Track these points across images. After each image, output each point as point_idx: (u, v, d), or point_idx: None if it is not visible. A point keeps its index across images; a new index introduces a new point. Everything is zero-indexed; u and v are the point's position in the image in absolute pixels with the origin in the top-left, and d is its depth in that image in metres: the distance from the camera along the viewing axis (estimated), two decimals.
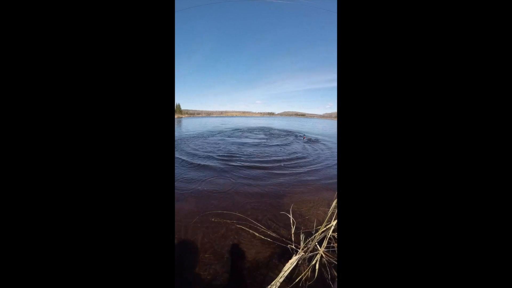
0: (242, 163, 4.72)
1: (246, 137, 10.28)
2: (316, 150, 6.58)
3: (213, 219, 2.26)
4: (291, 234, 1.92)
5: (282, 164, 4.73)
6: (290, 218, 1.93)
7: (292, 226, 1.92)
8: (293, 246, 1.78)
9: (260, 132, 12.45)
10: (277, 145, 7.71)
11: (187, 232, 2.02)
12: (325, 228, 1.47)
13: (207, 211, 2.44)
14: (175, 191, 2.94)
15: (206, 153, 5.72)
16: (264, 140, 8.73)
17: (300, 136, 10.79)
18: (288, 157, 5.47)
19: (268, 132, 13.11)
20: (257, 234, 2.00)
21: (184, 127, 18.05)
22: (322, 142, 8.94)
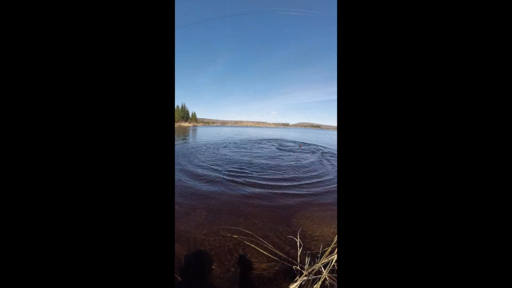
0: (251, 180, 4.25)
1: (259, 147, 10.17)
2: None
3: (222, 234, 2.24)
4: (297, 255, 1.87)
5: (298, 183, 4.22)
6: (297, 240, 1.90)
7: (298, 248, 1.88)
8: (298, 267, 1.73)
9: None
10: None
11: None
12: (331, 249, 1.42)
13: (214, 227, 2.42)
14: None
15: (213, 168, 5.26)
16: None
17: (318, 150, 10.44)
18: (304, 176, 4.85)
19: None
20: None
21: (199, 135, 18.38)
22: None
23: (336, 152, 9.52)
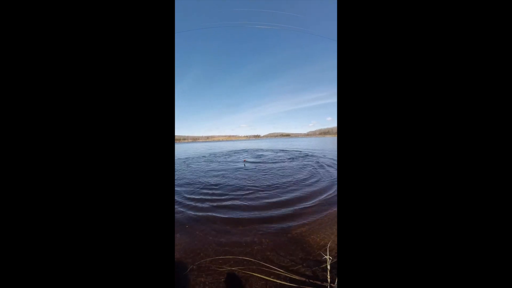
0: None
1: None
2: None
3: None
4: (326, 275, 1.35)
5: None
6: (325, 256, 1.39)
7: (328, 266, 1.36)
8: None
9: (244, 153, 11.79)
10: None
11: None
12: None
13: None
14: None
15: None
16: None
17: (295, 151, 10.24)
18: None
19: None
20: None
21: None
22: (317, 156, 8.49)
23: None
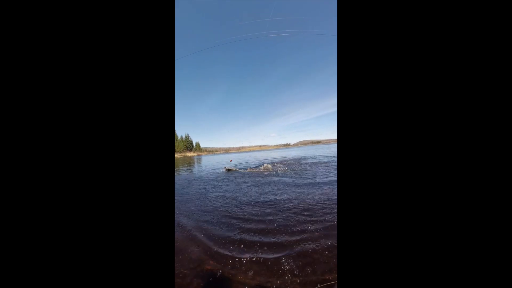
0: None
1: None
2: None
3: None
4: None
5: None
6: None
7: None
8: None
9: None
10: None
11: None
12: None
13: None
14: None
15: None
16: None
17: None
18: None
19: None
20: None
21: (204, 164, 18.02)
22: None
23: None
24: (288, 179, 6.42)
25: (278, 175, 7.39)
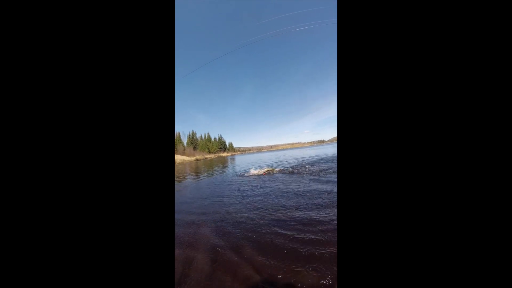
0: None
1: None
2: None
3: None
4: None
5: None
6: None
7: None
8: None
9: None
10: None
11: None
12: None
13: None
14: None
15: None
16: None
17: None
18: None
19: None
20: None
21: (237, 163, 17.60)
22: None
23: None
24: None
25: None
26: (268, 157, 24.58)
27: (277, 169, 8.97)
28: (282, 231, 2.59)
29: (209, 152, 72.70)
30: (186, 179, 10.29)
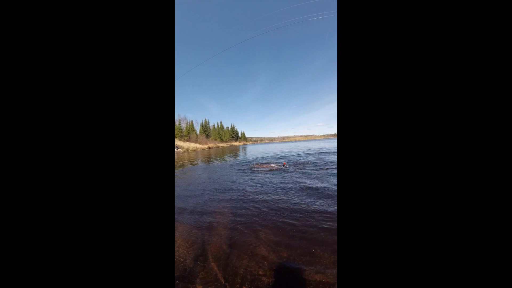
0: None
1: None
2: None
3: None
4: None
5: None
6: None
7: None
8: None
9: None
10: None
11: None
12: None
13: None
14: None
15: None
16: None
17: None
18: None
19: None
20: None
21: (246, 152, 17.85)
22: None
23: None
24: None
25: None
26: (279, 149, 24.66)
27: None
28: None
29: (222, 140, 73.66)
30: (198, 164, 10.76)
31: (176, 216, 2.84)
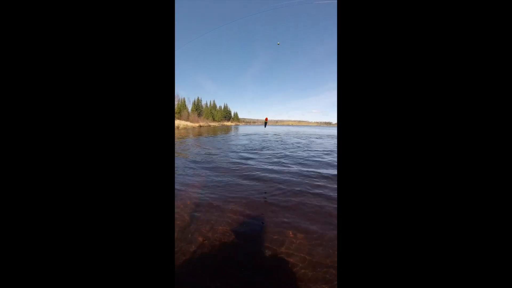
0: None
1: None
2: None
3: None
4: None
5: None
6: None
7: None
8: None
9: None
10: None
11: None
12: None
13: None
14: None
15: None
16: None
17: None
18: None
19: None
20: None
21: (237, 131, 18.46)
22: None
23: None
24: None
25: None
26: (266, 130, 25.71)
27: None
28: None
29: (213, 120, 72.92)
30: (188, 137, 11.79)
31: None
